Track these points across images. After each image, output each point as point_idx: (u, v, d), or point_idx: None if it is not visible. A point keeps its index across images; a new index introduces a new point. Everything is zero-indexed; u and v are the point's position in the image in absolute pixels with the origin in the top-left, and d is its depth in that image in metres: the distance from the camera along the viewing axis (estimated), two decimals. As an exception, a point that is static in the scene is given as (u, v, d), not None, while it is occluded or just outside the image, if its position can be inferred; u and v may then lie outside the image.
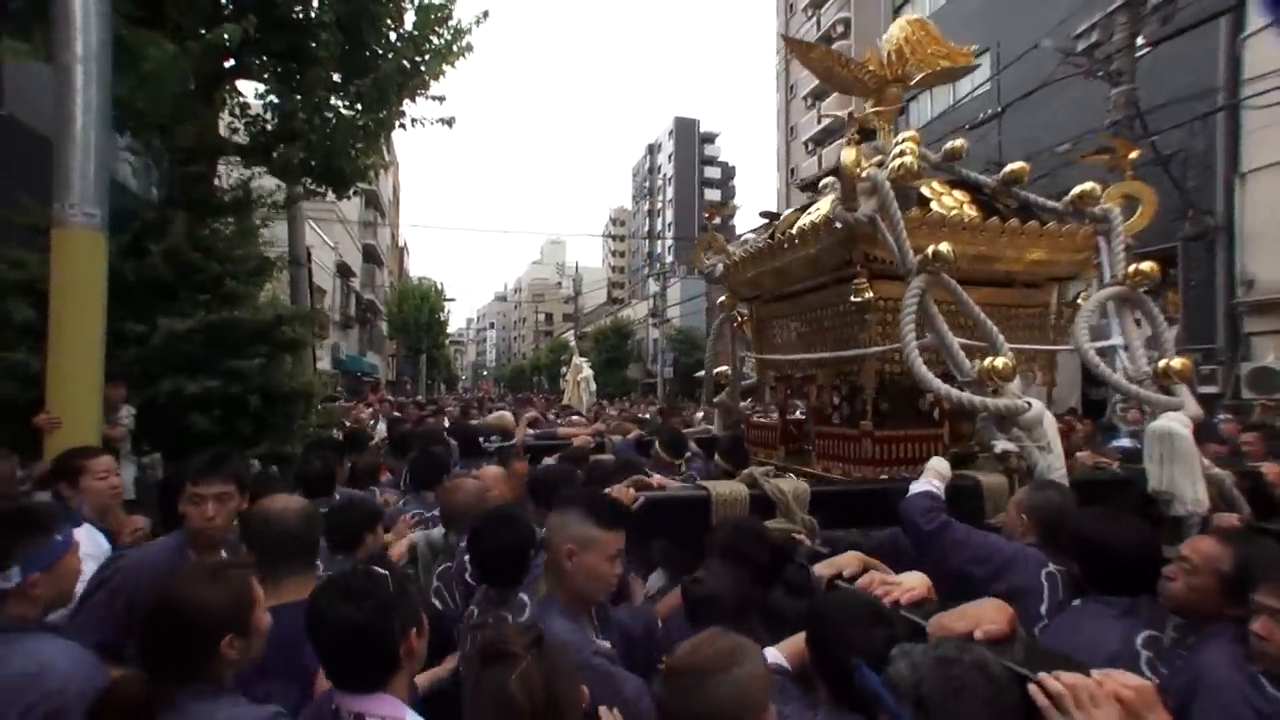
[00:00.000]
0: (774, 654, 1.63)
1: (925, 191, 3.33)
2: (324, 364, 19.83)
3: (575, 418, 8.25)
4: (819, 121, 41.10)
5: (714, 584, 1.93)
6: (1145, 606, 1.88)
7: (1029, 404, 2.67)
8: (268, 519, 1.97)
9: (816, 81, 41.97)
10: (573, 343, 18.54)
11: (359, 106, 5.93)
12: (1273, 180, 10.80)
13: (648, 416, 10.03)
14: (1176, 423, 2.70)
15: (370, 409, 10.77)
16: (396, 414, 10.38)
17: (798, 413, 4.45)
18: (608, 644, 1.87)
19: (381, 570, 1.53)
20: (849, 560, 2.00)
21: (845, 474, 3.26)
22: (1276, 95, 9.89)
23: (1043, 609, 2.03)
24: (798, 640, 1.63)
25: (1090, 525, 2.02)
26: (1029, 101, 11.35)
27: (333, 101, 5.90)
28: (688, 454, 4.20)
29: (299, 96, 5.73)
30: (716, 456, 4.04)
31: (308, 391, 5.84)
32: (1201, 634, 1.77)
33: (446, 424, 7.34)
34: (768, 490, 2.63)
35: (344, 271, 27.23)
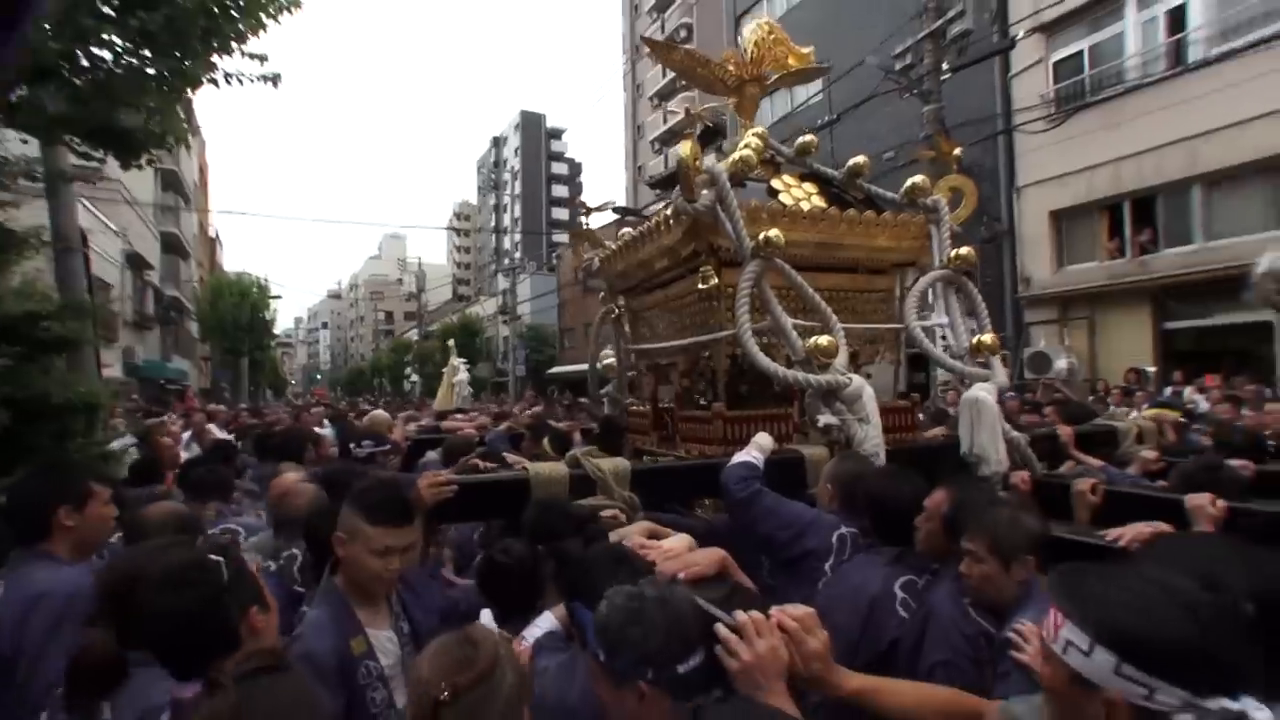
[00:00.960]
0: (550, 620, 1.79)
1: (776, 183, 3.56)
2: (114, 370, 17.33)
3: (458, 415, 7.88)
4: (665, 121, 42.47)
5: (508, 557, 2.06)
6: (910, 555, 2.17)
7: (850, 379, 2.91)
8: None
9: (663, 82, 43.59)
10: (449, 342, 18.01)
11: (146, 52, 4.65)
12: (1039, 195, 13.02)
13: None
14: (984, 391, 3.09)
15: (180, 421, 9.19)
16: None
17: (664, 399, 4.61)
18: (386, 633, 1.91)
19: (215, 556, 1.52)
20: (637, 529, 2.14)
21: (701, 454, 3.38)
22: (1039, 125, 12.15)
23: (828, 565, 2.29)
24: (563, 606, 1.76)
25: (874, 484, 2.33)
26: (856, 113, 12.68)
27: (106, 37, 4.56)
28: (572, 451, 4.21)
29: (46, 24, 4.14)
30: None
31: (90, 403, 4.59)
32: (937, 575, 2.08)
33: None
34: (588, 469, 2.72)
35: (136, 263, 23.83)
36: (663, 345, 3.80)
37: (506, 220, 64.65)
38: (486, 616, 1.76)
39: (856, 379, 2.95)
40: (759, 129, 3.64)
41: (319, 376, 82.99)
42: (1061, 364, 11.52)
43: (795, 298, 3.14)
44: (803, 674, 1.35)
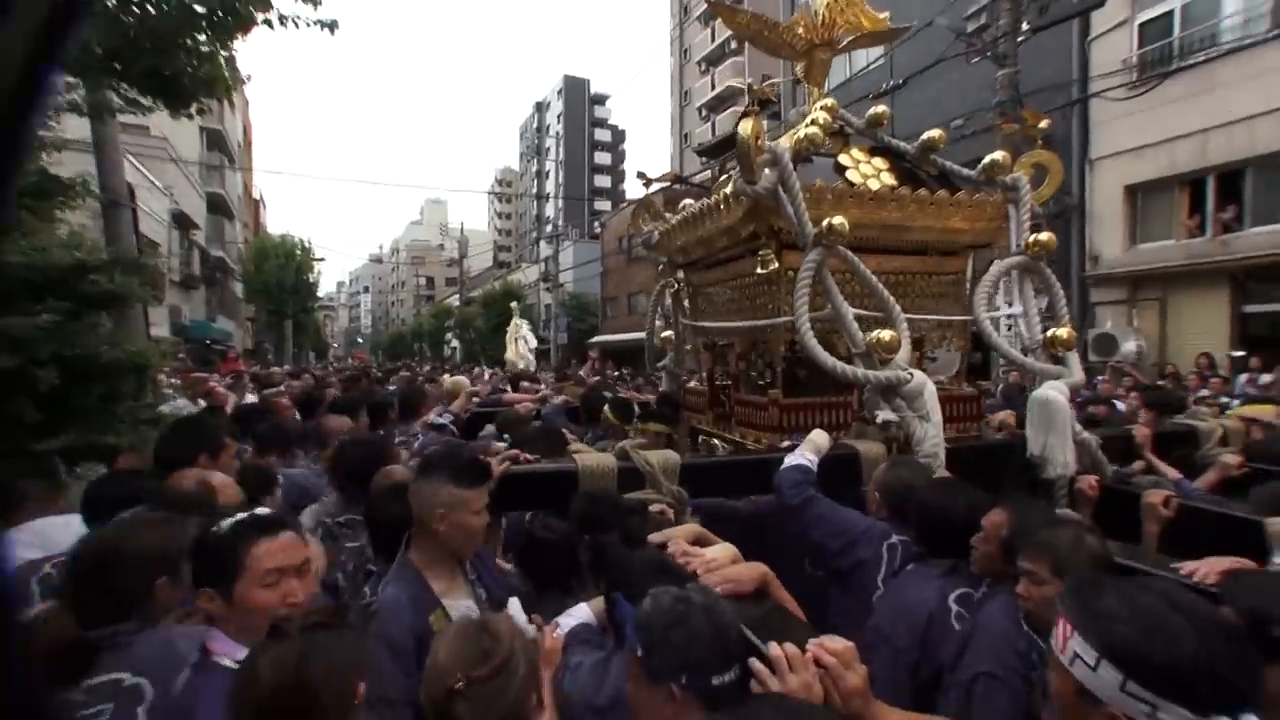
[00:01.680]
0: (586, 611, 1.81)
1: (844, 159, 3.44)
2: (161, 330, 17.95)
3: (526, 384, 8.07)
4: (713, 87, 41.63)
5: (549, 532, 2.12)
6: (964, 568, 2.11)
7: (910, 375, 2.84)
8: None
9: (711, 46, 42.78)
10: (513, 304, 19.06)
11: None
12: (1115, 168, 12.40)
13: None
14: (1054, 390, 2.98)
15: (225, 381, 9.48)
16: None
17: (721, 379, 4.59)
18: (467, 602, 1.96)
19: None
20: (682, 531, 2.12)
21: (757, 440, 3.37)
22: (1120, 92, 11.40)
23: (879, 578, 2.25)
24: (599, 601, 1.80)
25: (927, 495, 2.26)
26: (919, 79, 12.18)
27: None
28: (635, 418, 4.22)
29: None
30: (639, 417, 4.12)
31: (139, 363, 4.34)
32: (992, 590, 2.02)
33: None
34: (636, 462, 2.71)
35: (183, 222, 24.50)
36: (721, 325, 3.76)
37: (549, 187, 64.74)
38: (515, 606, 1.78)
39: (919, 375, 2.87)
40: (828, 100, 3.52)
41: (360, 340, 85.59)
42: (1130, 346, 11.10)
43: (857, 283, 3.05)
44: (841, 710, 1.34)
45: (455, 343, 47.63)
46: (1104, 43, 12.29)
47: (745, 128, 2.92)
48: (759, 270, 3.17)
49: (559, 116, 65.16)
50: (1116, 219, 12.52)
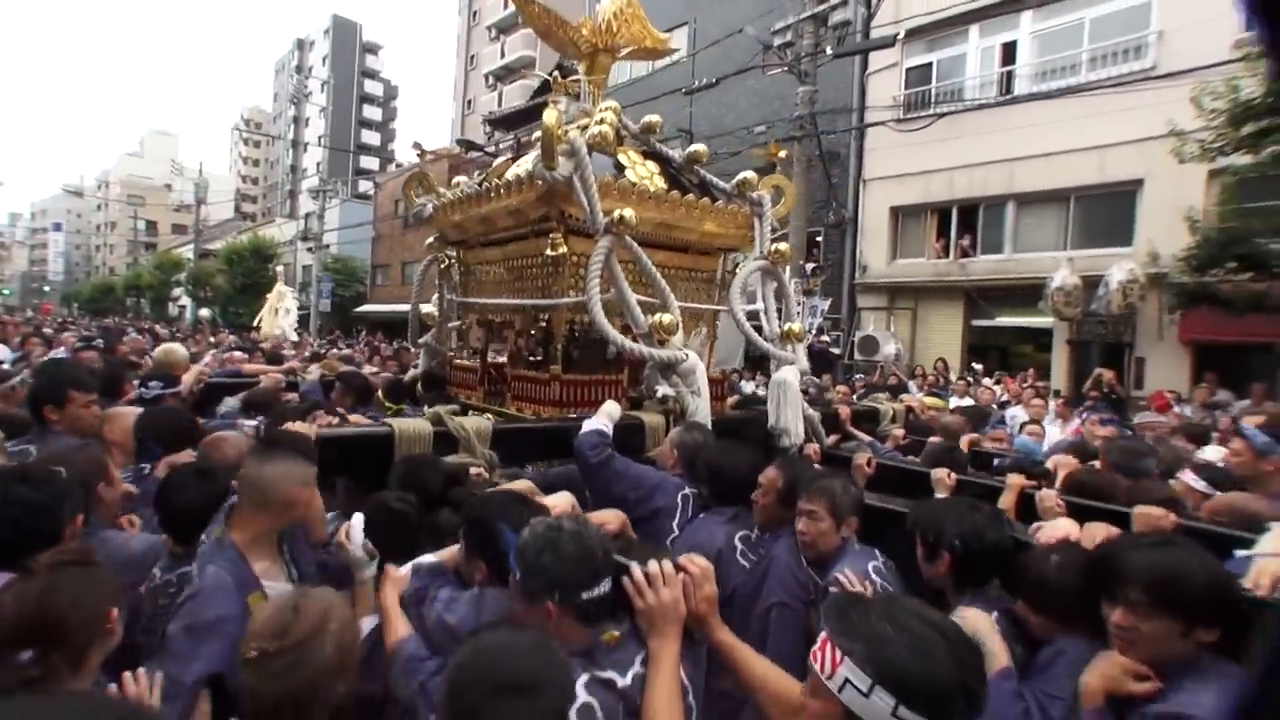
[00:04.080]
0: (431, 558, 2.08)
1: (622, 159, 4.10)
2: None
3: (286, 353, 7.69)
4: (503, 56, 42.20)
5: (405, 505, 2.32)
6: (744, 514, 2.84)
7: (686, 355, 3.58)
8: None
9: (503, 14, 42.71)
10: (279, 268, 17.02)
11: None
12: (880, 189, 15.08)
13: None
14: (791, 374, 3.91)
15: None
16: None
17: (497, 356, 5.01)
18: (283, 585, 2.02)
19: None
20: (519, 487, 2.50)
21: (535, 414, 3.91)
22: (882, 126, 14.04)
23: (674, 524, 2.91)
24: (450, 549, 2.11)
25: (715, 454, 2.99)
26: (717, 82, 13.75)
27: None
28: (405, 401, 4.52)
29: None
30: (418, 391, 4.47)
31: None
32: (774, 533, 2.76)
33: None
34: (451, 427, 3.08)
35: None
36: (504, 302, 4.24)
37: (308, 136, 60.41)
38: (358, 521, 2.08)
39: (692, 355, 3.62)
40: (613, 103, 4.16)
41: (47, 288, 72.92)
42: (890, 349, 13.42)
43: (636, 272, 3.72)
44: (694, 613, 1.69)
45: (185, 300, 43.30)
46: (878, 79, 14.94)
47: (549, 117, 3.45)
48: (548, 252, 3.68)
49: (324, 59, 61.94)
50: (882, 235, 15.11)
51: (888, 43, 12.41)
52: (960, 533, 2.14)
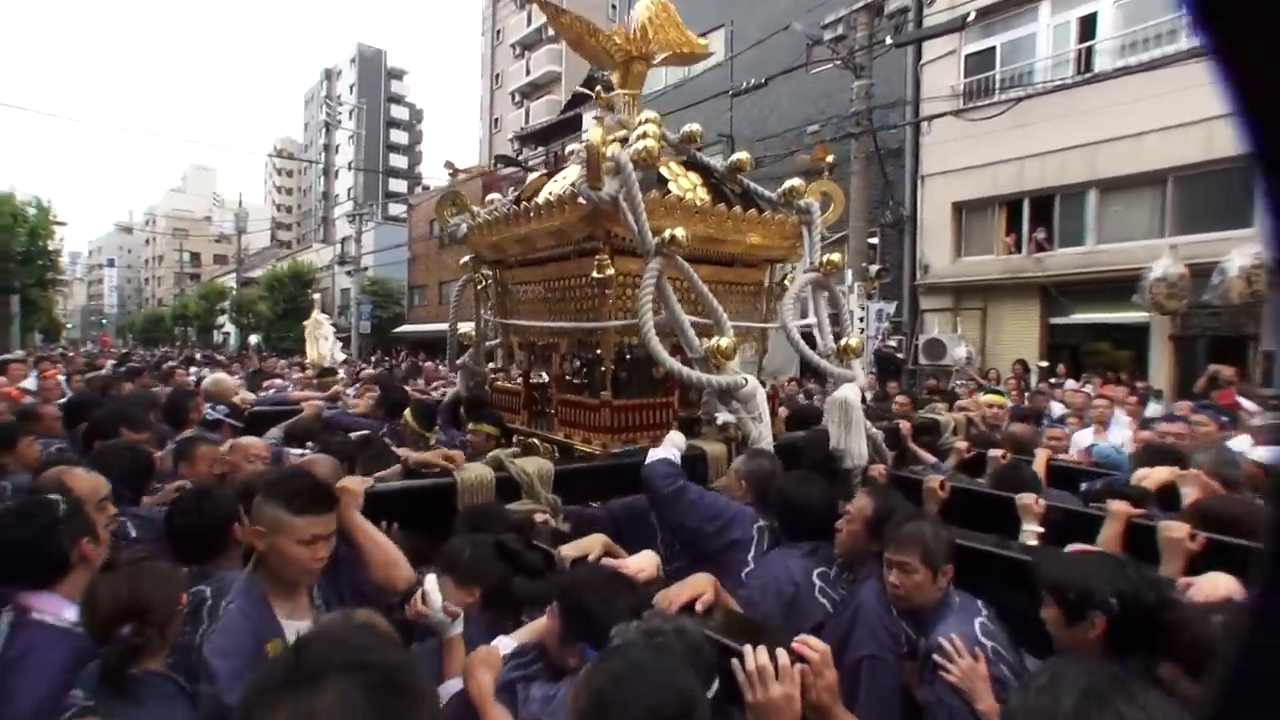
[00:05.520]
0: (508, 642, 2.01)
1: (664, 172, 4.13)
2: None
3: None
4: (528, 73, 43.65)
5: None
6: (822, 548, 2.82)
7: (745, 380, 3.58)
8: None
9: (527, 30, 44.13)
10: (315, 295, 18.58)
11: None
12: (941, 185, 14.74)
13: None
14: (851, 392, 3.88)
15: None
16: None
17: (540, 378, 5.07)
18: (307, 623, 2.06)
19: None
20: (593, 543, 2.51)
21: (585, 440, 3.96)
22: (943, 117, 13.80)
23: (750, 556, 2.90)
24: (535, 624, 2.06)
25: (790, 487, 2.95)
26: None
27: None
28: (437, 424, 4.63)
29: None
30: (466, 416, 4.52)
31: None
32: (858, 573, 2.73)
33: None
34: (513, 472, 3.10)
35: None
36: (545, 325, 4.31)
37: (338, 162, 64.01)
38: (431, 583, 2.06)
39: (752, 380, 3.63)
40: (653, 114, 4.20)
41: (104, 322, 78.59)
42: (960, 352, 13.12)
43: (684, 290, 3.74)
44: (814, 702, 1.61)
45: (229, 327, 45.54)
46: (934, 68, 14.61)
47: (594, 135, 3.50)
48: (594, 274, 3.72)
49: (351, 87, 66.00)
50: (944, 232, 14.80)
51: (957, 25, 12.09)
52: (1117, 592, 1.93)
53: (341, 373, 9.71)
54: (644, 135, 3.80)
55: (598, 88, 4.61)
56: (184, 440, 3.79)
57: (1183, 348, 11.80)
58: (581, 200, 3.59)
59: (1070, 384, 10.67)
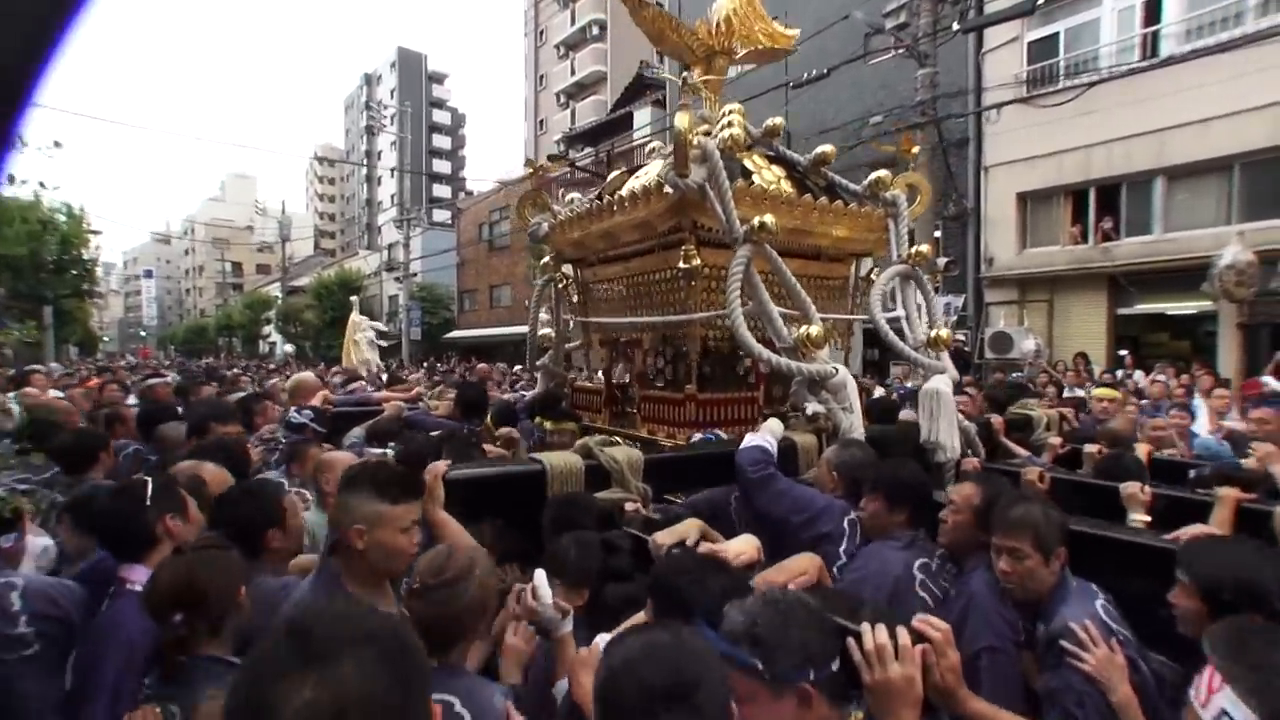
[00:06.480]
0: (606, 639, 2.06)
1: (748, 164, 4.15)
2: None
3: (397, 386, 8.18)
4: (573, 73, 43.99)
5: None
6: (921, 541, 2.79)
7: (835, 369, 3.58)
8: None
9: (571, 30, 44.22)
10: (353, 299, 18.33)
11: None
12: (1005, 175, 14.54)
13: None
14: (943, 384, 3.86)
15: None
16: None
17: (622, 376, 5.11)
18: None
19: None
20: (688, 528, 2.49)
21: (670, 435, 4.00)
22: (1007, 106, 13.62)
23: (842, 549, 2.88)
24: (634, 620, 1.99)
25: (885, 475, 2.91)
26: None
27: None
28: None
29: None
30: (542, 415, 4.58)
31: None
32: (965, 564, 2.68)
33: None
34: (602, 460, 3.08)
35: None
36: (627, 320, 4.36)
37: (380, 168, 65.03)
38: (540, 577, 2.05)
39: (842, 369, 3.62)
40: (737, 105, 4.23)
41: (143, 334, 79.87)
42: (1030, 345, 12.85)
43: (771, 282, 3.73)
44: (938, 684, 1.58)
45: (276, 337, 46.35)
46: (995, 57, 14.41)
47: (682, 121, 3.50)
48: (680, 265, 3.74)
49: (392, 92, 66.01)
50: (1009, 224, 14.58)
51: (1026, 9, 11.84)
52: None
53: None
54: (729, 125, 3.81)
55: (683, 74, 4.61)
56: (297, 443, 4.00)
57: (1249, 336, 11.49)
58: (668, 189, 3.60)
59: (1138, 375, 10.49)
